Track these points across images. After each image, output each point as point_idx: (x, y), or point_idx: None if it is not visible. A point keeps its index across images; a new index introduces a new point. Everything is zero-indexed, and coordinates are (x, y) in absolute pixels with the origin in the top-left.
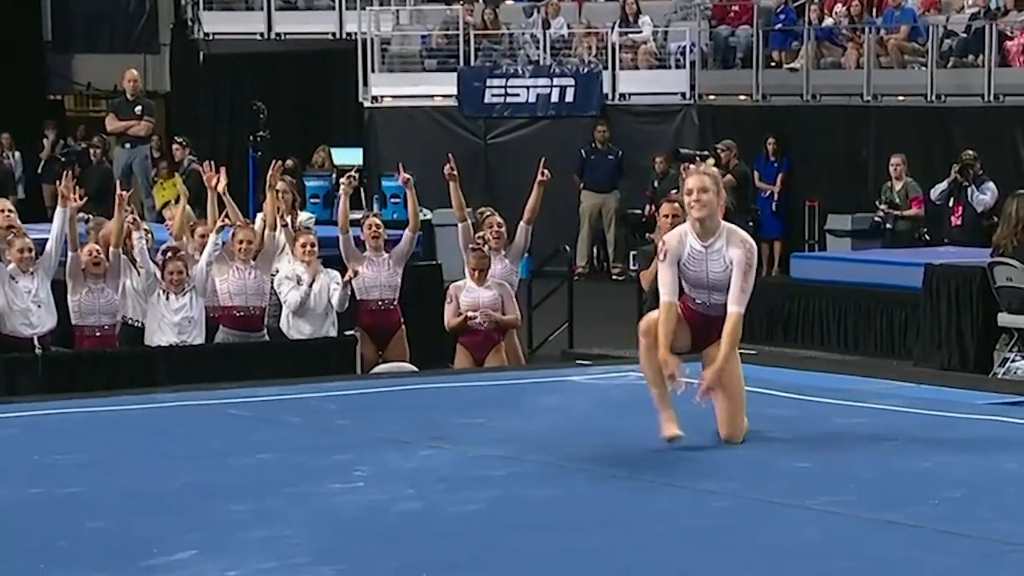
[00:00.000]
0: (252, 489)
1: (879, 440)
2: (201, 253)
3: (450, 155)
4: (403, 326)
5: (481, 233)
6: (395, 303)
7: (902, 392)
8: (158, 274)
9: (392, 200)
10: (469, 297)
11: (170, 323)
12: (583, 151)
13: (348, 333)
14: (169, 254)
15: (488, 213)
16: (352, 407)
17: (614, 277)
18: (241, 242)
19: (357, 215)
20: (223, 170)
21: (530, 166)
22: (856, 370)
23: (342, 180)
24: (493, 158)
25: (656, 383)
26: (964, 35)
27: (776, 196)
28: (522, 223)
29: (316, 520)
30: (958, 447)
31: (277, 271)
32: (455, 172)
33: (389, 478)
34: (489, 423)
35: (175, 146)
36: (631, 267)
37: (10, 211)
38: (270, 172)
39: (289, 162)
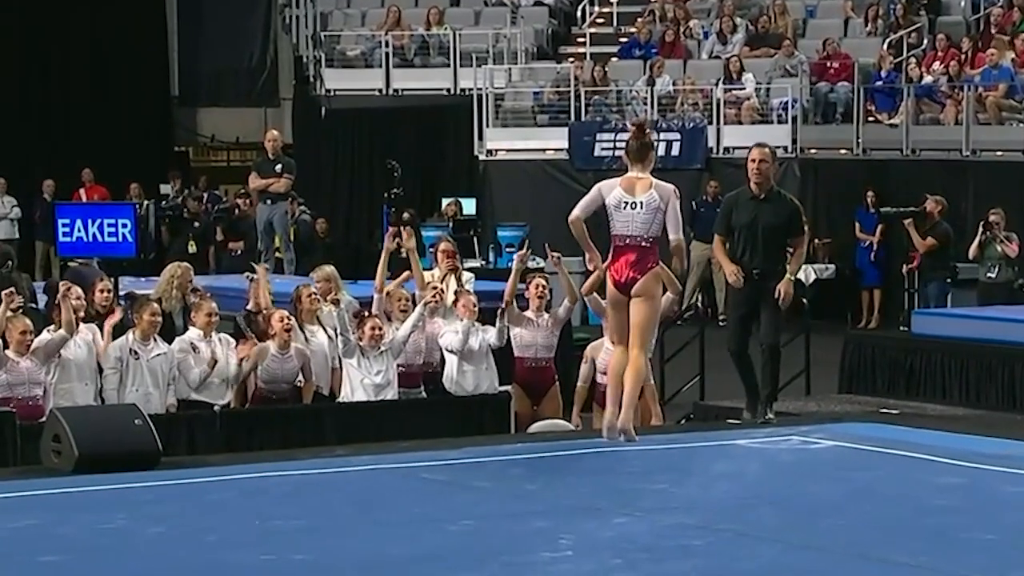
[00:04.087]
0: (470, 557)
1: None
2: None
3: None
4: (556, 383)
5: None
6: (550, 361)
7: None
8: (354, 337)
9: (507, 249)
10: (607, 357)
11: (371, 384)
12: (693, 203)
13: (502, 389)
14: (365, 313)
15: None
16: (535, 471)
17: (721, 323)
18: (400, 300)
19: (473, 264)
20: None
21: None
22: (1012, 432)
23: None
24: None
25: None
26: None
27: (875, 247)
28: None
29: None
30: None
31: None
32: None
33: (594, 547)
34: (671, 489)
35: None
36: None
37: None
38: (404, 235)
39: (406, 214)
